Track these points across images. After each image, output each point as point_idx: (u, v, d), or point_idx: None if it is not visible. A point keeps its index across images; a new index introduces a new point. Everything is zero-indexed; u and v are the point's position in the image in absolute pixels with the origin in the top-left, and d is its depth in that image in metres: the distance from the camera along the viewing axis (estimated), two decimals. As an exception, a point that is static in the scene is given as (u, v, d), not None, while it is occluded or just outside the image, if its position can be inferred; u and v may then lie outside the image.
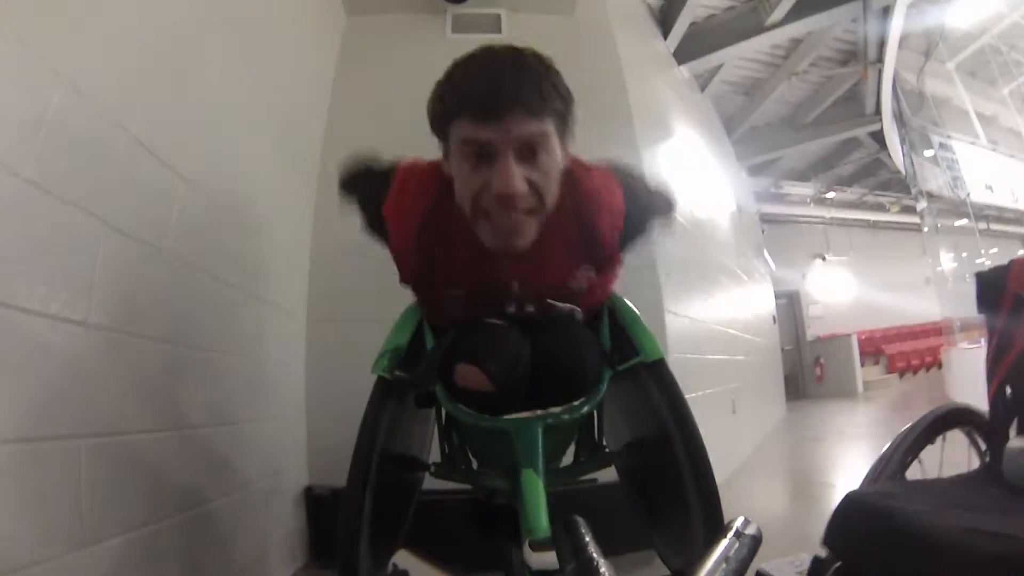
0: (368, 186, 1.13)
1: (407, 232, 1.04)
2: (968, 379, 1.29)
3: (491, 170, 0.90)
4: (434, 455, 1.33)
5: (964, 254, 9.27)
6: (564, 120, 0.95)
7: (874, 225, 12.34)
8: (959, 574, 0.83)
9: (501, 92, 0.87)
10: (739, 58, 5.40)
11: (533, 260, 1.01)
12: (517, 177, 0.90)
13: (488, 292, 1.07)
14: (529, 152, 0.91)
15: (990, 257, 8.68)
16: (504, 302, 1.10)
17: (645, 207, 1.13)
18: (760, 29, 4.58)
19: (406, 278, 1.12)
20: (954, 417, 1.34)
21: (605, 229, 1.05)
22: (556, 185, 0.96)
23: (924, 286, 10.55)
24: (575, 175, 1.02)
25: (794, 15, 4.49)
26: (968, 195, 8.55)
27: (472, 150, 0.91)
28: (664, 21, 4.15)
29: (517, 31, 2.68)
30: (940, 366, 9.44)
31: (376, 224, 1.09)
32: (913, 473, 1.25)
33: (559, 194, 0.97)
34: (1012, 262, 1.43)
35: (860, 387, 10.10)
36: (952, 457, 1.34)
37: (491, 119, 0.88)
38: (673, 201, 1.21)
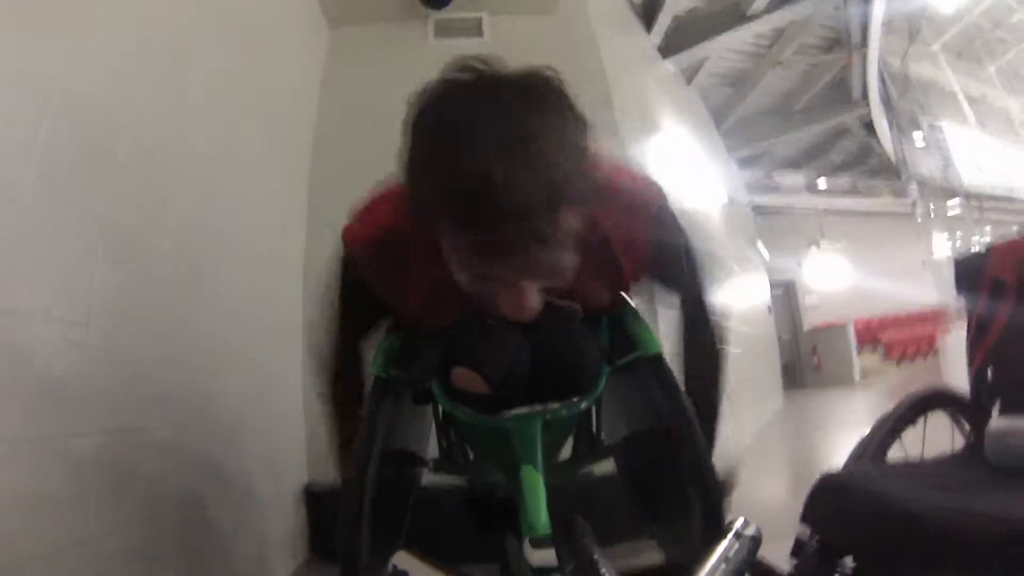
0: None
1: (381, 270, 0.95)
2: (964, 364, 1.32)
3: (495, 283, 0.75)
4: (433, 451, 1.35)
5: (958, 235, 9.29)
6: (588, 188, 0.71)
7: (867, 212, 12.35)
8: (932, 550, 0.85)
9: (499, 220, 0.64)
10: (724, 50, 5.42)
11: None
12: (531, 301, 0.77)
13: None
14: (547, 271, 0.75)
15: (984, 238, 8.69)
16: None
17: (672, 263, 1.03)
18: (743, 19, 4.59)
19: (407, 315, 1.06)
20: (936, 399, 1.36)
21: (627, 267, 0.98)
22: (575, 262, 0.78)
23: (920, 271, 10.57)
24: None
25: (776, 4, 4.52)
26: (959, 178, 8.57)
27: (473, 271, 0.74)
28: (647, 17, 4.17)
29: (499, 34, 2.70)
30: (936, 352, 9.46)
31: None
32: (897, 456, 1.27)
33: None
34: (991, 246, 1.45)
35: (857, 375, 10.10)
36: (935, 438, 1.36)
37: (493, 246, 0.68)
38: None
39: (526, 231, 0.66)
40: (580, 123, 0.71)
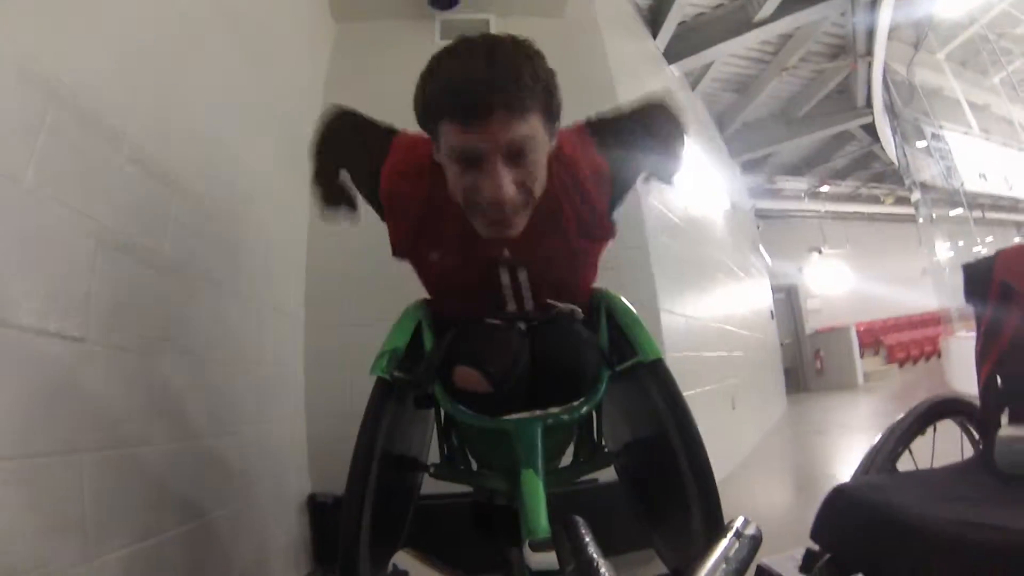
0: (365, 146, 1.14)
1: (405, 198, 1.06)
2: (968, 367, 1.31)
3: (480, 173, 0.91)
4: (433, 456, 1.34)
5: (960, 243, 9.29)
6: (549, 106, 0.93)
7: (869, 217, 12.36)
8: (947, 566, 0.84)
9: (481, 92, 0.86)
10: (729, 55, 5.41)
11: (525, 238, 1.01)
12: (506, 183, 0.90)
13: (481, 261, 1.07)
14: (517, 153, 0.91)
15: (986, 245, 8.70)
16: (503, 301, 1.11)
17: (633, 147, 1.11)
18: (749, 26, 4.59)
19: (398, 245, 1.12)
20: (945, 407, 1.35)
21: (594, 196, 1.06)
22: (544, 174, 0.97)
23: (921, 276, 10.58)
24: (562, 151, 1.02)
25: (782, 11, 4.51)
26: (962, 184, 8.57)
27: (459, 154, 0.91)
28: (653, 21, 4.17)
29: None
30: (940, 355, 9.46)
31: (369, 185, 1.11)
32: (906, 464, 1.26)
33: (549, 173, 0.98)
34: (999, 252, 1.44)
35: (860, 379, 10.10)
36: (945, 447, 1.35)
37: (474, 123, 0.87)
38: (666, 110, 1.17)
39: (496, 97, 0.86)
40: (548, 67, 0.93)
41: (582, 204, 1.06)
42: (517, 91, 0.87)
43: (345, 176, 1.18)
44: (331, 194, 1.20)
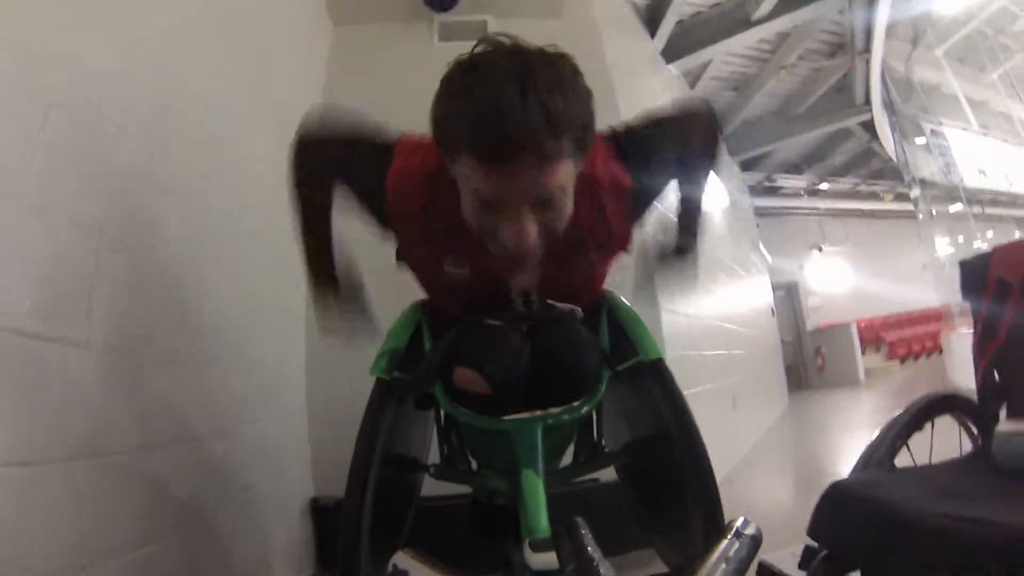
0: (367, 155, 1.06)
1: (412, 206, 0.99)
2: (968, 363, 1.32)
3: (500, 216, 0.85)
4: (433, 456, 1.35)
5: (960, 239, 9.27)
6: (584, 143, 0.85)
7: (869, 214, 12.35)
8: (944, 561, 0.84)
9: (510, 133, 0.76)
10: (727, 54, 5.41)
11: (541, 261, 0.98)
12: (530, 233, 0.85)
13: (491, 276, 1.04)
14: (545, 203, 0.85)
15: (986, 241, 8.68)
16: (504, 299, 1.10)
17: (660, 161, 1.06)
18: (747, 24, 4.59)
19: (406, 253, 1.09)
20: (943, 403, 1.36)
21: (609, 213, 1.01)
22: (570, 209, 0.90)
23: (921, 272, 10.56)
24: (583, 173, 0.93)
25: (780, 9, 4.51)
26: (961, 180, 8.56)
27: (479, 195, 0.85)
28: (651, 21, 4.17)
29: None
30: (940, 351, 9.45)
31: (376, 191, 1.03)
32: (904, 461, 1.26)
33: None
34: (995, 248, 1.45)
35: (862, 375, 10.10)
36: (943, 443, 1.36)
37: (498, 165, 0.79)
38: (703, 120, 1.12)
39: (528, 143, 0.76)
40: (586, 89, 0.84)
41: (599, 222, 1.01)
42: (552, 134, 0.78)
43: (336, 214, 1.12)
44: (329, 273, 1.16)
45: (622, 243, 1.09)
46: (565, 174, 0.84)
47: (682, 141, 1.09)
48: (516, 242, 0.85)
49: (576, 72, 0.84)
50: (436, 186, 0.94)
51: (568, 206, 0.89)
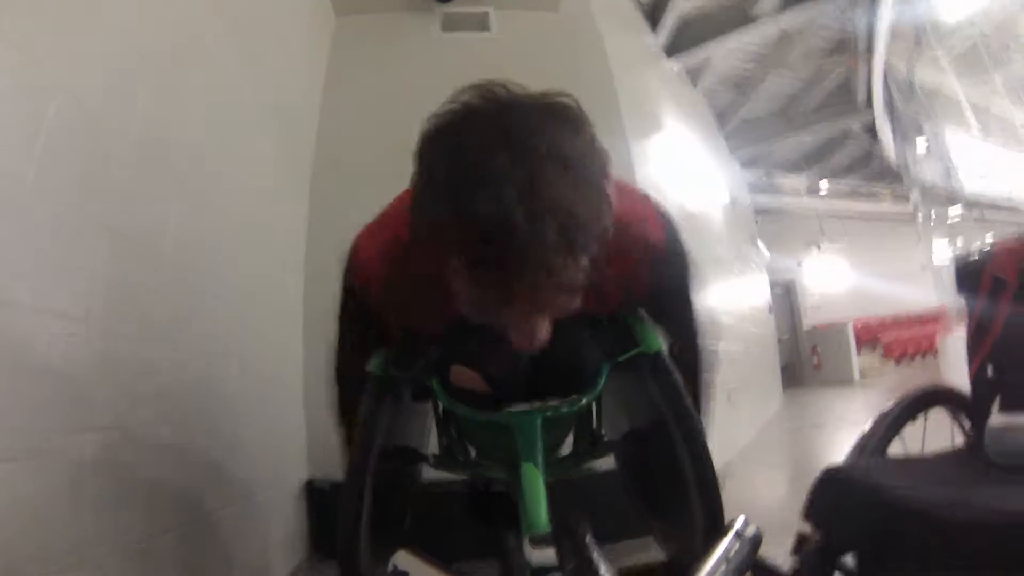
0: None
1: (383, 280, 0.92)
2: (963, 364, 1.33)
3: (503, 316, 0.73)
4: (433, 447, 1.35)
5: (959, 242, 9.28)
6: (604, 236, 0.69)
7: (868, 215, 12.35)
8: (936, 544, 0.86)
9: (516, 266, 0.63)
10: (729, 51, 5.41)
11: None
12: (541, 337, 0.75)
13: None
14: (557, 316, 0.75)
15: (984, 245, 8.68)
16: None
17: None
18: (749, 22, 4.59)
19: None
20: (936, 396, 1.37)
21: (643, 273, 0.94)
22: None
23: (919, 274, 10.57)
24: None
25: (782, 7, 4.51)
26: (961, 185, 8.57)
27: (478, 312, 0.73)
28: (653, 16, 4.17)
29: (505, 29, 2.70)
30: (936, 353, 9.47)
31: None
32: (897, 452, 1.28)
33: None
34: (993, 245, 1.46)
35: (857, 375, 10.14)
36: (935, 437, 1.37)
37: (506, 300, 0.67)
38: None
39: (542, 277, 0.63)
40: (600, 158, 0.69)
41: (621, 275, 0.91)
42: (572, 255, 0.64)
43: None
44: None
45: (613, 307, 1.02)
46: (583, 281, 0.69)
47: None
48: (526, 345, 0.76)
49: (583, 126, 0.69)
50: (410, 269, 0.83)
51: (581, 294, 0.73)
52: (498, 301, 0.67)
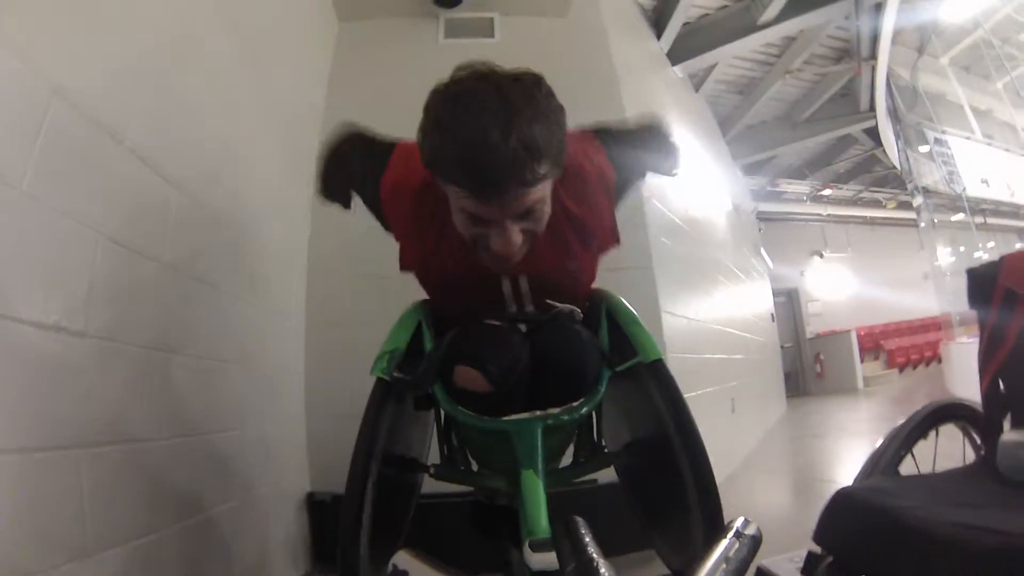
0: (367, 161, 1.17)
1: (404, 210, 1.08)
2: (967, 372, 1.31)
3: (488, 228, 0.93)
4: (433, 456, 1.34)
5: (962, 248, 9.28)
6: (560, 159, 0.92)
7: (871, 221, 12.36)
8: (949, 569, 0.84)
9: (497, 172, 0.84)
10: (733, 57, 5.41)
11: (527, 256, 1.02)
12: (515, 240, 0.93)
13: (483, 273, 1.07)
14: (527, 214, 0.93)
15: (987, 251, 8.69)
16: (504, 305, 1.11)
17: (636, 160, 1.19)
18: (753, 28, 4.59)
19: (403, 253, 1.14)
20: (948, 412, 1.35)
21: (603, 206, 1.11)
22: (549, 210, 0.97)
23: (922, 281, 10.57)
24: (571, 161, 1.00)
25: (787, 13, 4.50)
26: (964, 190, 8.57)
27: (468, 215, 0.93)
28: (657, 22, 4.17)
29: (510, 35, 2.69)
30: (940, 360, 9.46)
31: (374, 199, 1.14)
32: (908, 469, 1.26)
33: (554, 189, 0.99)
34: (1003, 257, 1.44)
35: (860, 383, 10.11)
36: (946, 452, 1.35)
37: (487, 198, 0.88)
38: (663, 134, 1.27)
39: (512, 177, 0.85)
40: (558, 109, 0.92)
41: (590, 215, 1.08)
42: (533, 164, 0.85)
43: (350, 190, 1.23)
44: (330, 194, 1.27)
45: (609, 234, 1.15)
46: (544, 189, 0.92)
47: (646, 143, 1.24)
48: (504, 250, 0.93)
49: (549, 94, 0.92)
50: (425, 195, 1.03)
51: (547, 210, 0.96)
52: (478, 201, 0.88)
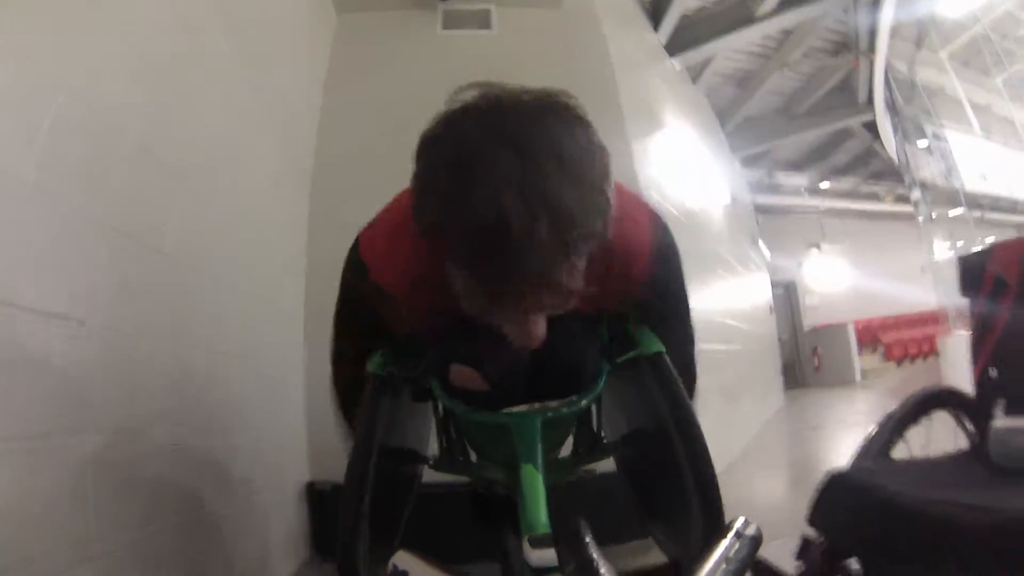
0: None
1: (401, 282, 0.92)
2: (963, 365, 1.33)
3: (500, 315, 0.74)
4: (432, 448, 1.34)
5: (960, 242, 9.28)
6: (604, 230, 0.68)
7: (869, 215, 12.35)
8: (939, 547, 0.85)
9: (516, 262, 0.62)
10: (731, 49, 5.41)
11: None
12: (539, 333, 0.77)
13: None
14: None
15: (985, 246, 8.67)
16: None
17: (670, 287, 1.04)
18: (751, 20, 4.58)
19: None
20: (940, 398, 1.36)
21: (635, 272, 0.94)
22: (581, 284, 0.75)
23: (920, 274, 10.57)
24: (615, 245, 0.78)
25: (785, 6, 4.50)
26: (962, 184, 8.57)
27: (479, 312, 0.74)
28: (655, 13, 4.16)
29: (507, 26, 2.69)
30: (937, 354, 9.46)
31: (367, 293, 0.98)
32: (901, 454, 1.27)
33: None
34: (993, 245, 1.45)
35: (858, 375, 10.13)
36: (939, 438, 1.36)
37: (505, 299, 0.68)
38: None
39: (536, 278, 0.64)
40: (598, 157, 0.68)
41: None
42: (567, 260, 0.65)
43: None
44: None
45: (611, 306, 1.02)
46: (579, 286, 0.69)
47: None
48: (525, 343, 0.78)
49: (582, 124, 0.68)
50: (422, 269, 0.81)
51: (579, 285, 0.72)
52: (493, 300, 0.68)
